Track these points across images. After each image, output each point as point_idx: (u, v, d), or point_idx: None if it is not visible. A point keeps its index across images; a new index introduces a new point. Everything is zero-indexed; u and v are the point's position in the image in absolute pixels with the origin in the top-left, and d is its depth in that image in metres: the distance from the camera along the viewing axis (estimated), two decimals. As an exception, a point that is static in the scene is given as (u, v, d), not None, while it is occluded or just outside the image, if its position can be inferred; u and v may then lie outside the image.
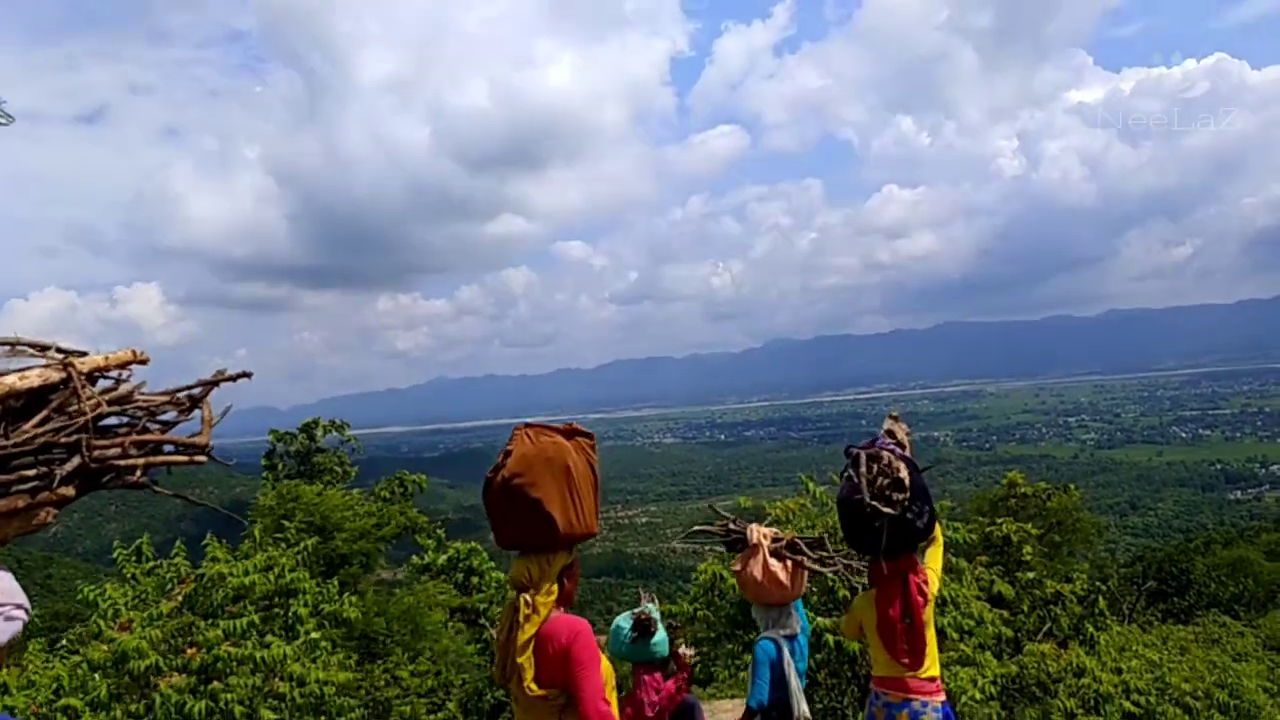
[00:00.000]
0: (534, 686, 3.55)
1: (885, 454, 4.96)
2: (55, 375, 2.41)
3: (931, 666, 5.05)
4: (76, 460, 2.37)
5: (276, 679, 6.94)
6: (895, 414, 5.44)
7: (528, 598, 3.62)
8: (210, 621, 6.82)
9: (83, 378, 2.45)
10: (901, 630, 4.92)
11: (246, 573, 7.12)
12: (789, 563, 5.62)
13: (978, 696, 7.93)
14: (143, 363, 2.69)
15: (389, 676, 14.76)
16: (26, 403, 2.36)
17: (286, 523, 9.09)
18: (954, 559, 9.53)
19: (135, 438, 2.55)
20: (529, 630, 3.58)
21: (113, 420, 2.59)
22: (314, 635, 7.28)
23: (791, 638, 5.60)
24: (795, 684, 5.43)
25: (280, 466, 19.38)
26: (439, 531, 16.64)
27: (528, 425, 3.86)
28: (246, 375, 2.88)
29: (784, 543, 5.73)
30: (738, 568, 5.78)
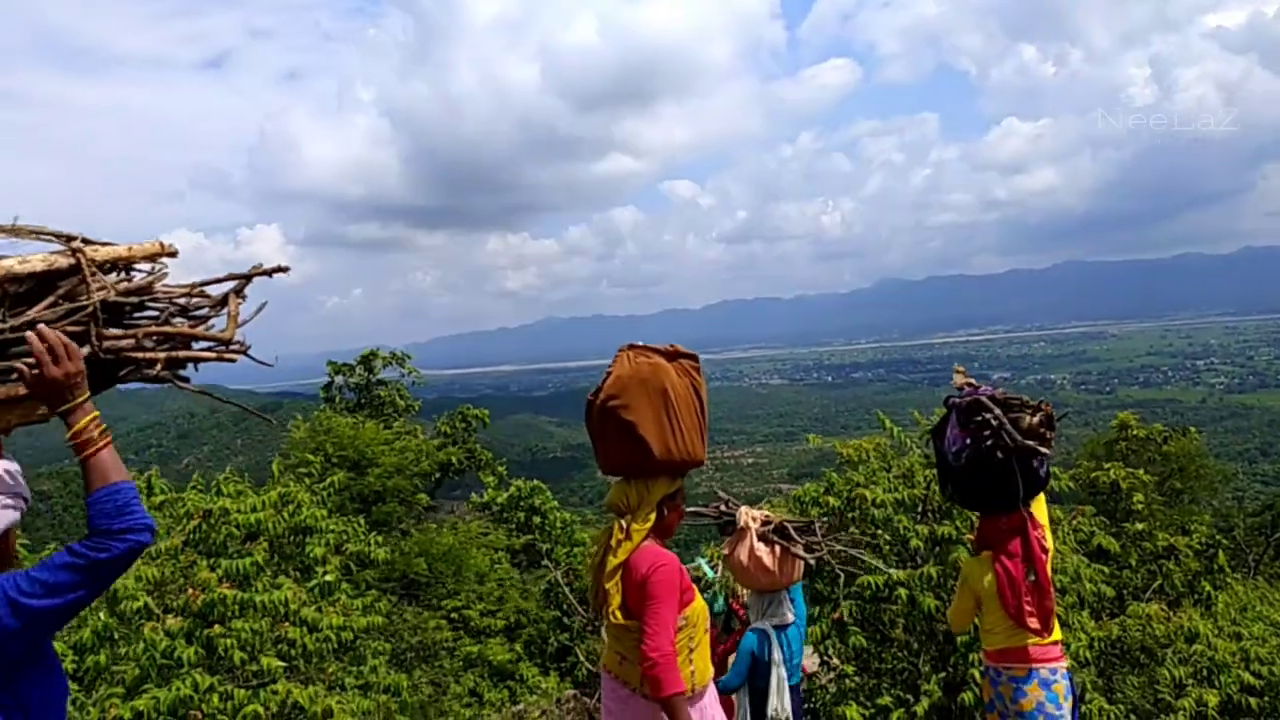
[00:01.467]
0: (618, 615, 3.52)
1: (1007, 396, 4.64)
2: (63, 261, 2.33)
3: (1055, 629, 4.69)
4: (85, 350, 2.28)
5: (286, 624, 6.46)
6: (961, 367, 5.07)
7: (623, 523, 3.60)
8: (212, 561, 6.34)
9: (93, 265, 2.36)
10: (1028, 589, 4.53)
11: (255, 509, 6.61)
12: (777, 548, 5.40)
13: (1069, 663, 6.99)
14: (171, 255, 2.63)
15: (458, 616, 14.49)
16: (31, 288, 2.29)
17: (311, 456, 8.56)
18: (1049, 508, 8.51)
19: (153, 329, 2.48)
20: (620, 556, 3.55)
21: (150, 314, 2.55)
22: (329, 578, 6.74)
23: (782, 628, 5.40)
24: (776, 678, 5.26)
25: (338, 399, 19.00)
26: (500, 468, 16.06)
27: (630, 346, 3.80)
28: (283, 270, 2.81)
29: (773, 527, 5.50)
30: (727, 552, 5.63)
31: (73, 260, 2.35)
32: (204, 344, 2.62)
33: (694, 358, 3.84)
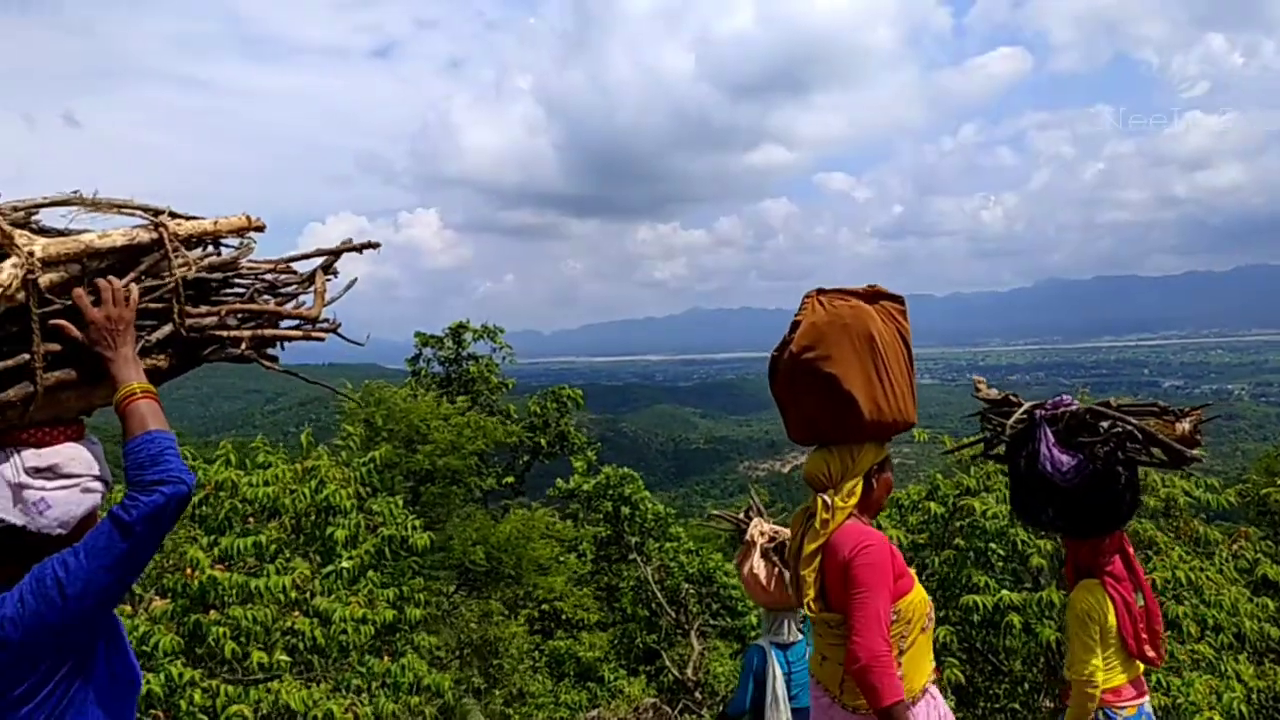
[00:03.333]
0: (813, 606, 3.10)
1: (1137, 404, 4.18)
2: (145, 235, 2.26)
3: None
4: (168, 328, 2.27)
5: (296, 613, 5.80)
6: (981, 379, 4.68)
7: (826, 499, 3.11)
8: (211, 539, 5.72)
9: (175, 239, 2.30)
10: (1141, 615, 4.11)
11: (267, 483, 5.95)
12: (776, 568, 5.07)
13: (1217, 719, 5.71)
14: (259, 229, 2.54)
15: (549, 608, 13.86)
16: (113, 264, 2.21)
17: (351, 428, 7.85)
18: (1202, 528, 7.20)
19: (237, 306, 2.42)
20: (822, 537, 3.08)
21: (237, 291, 2.48)
22: (346, 564, 6.04)
23: (786, 646, 5.17)
24: (773, 696, 5.03)
25: (424, 373, 18.15)
26: (590, 454, 15.15)
27: (820, 291, 3.27)
28: (374, 246, 2.71)
29: (775, 544, 5.18)
30: (737, 563, 5.40)
31: (155, 235, 2.26)
32: (291, 322, 2.56)
33: (899, 300, 3.33)
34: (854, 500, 3.12)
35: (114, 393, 2.10)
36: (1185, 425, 3.99)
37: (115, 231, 2.23)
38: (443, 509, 12.78)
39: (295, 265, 2.64)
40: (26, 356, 2.03)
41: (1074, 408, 4.13)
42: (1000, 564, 6.77)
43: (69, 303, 2.10)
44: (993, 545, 6.68)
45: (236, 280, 2.50)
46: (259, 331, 2.45)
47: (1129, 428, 3.95)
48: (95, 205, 2.29)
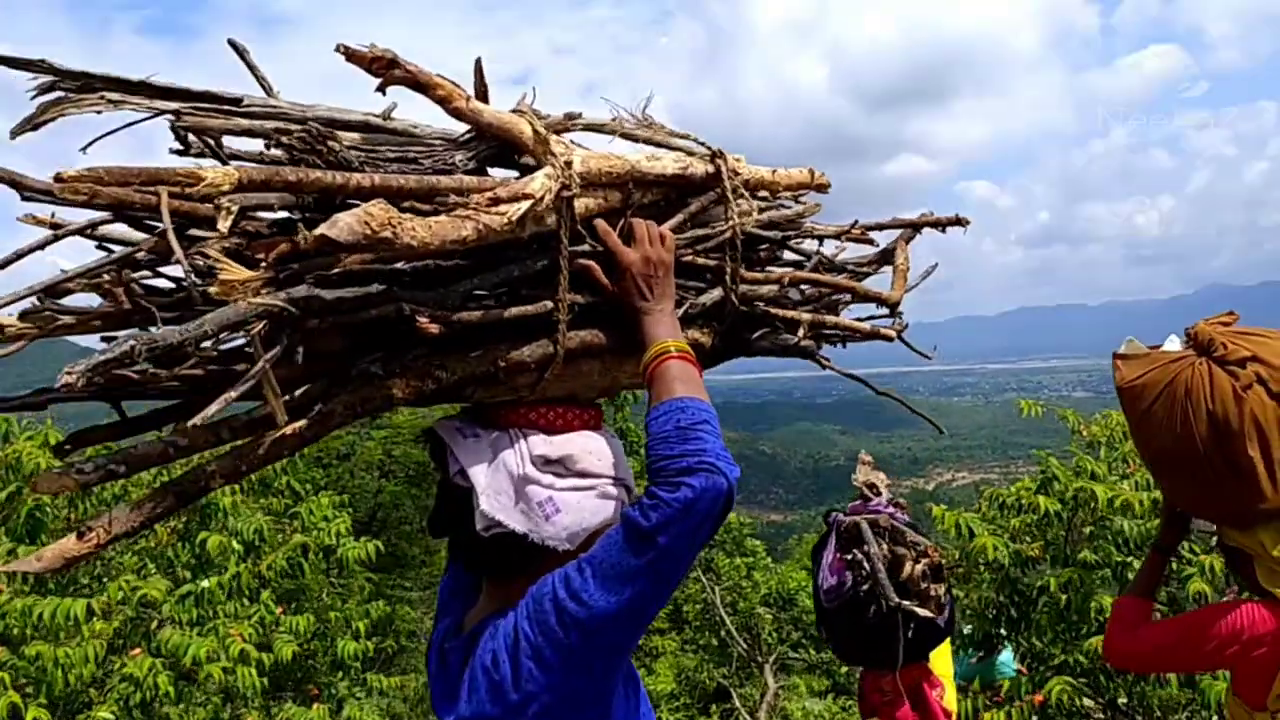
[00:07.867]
0: None
1: (896, 525, 3.34)
2: (699, 168, 1.77)
3: None
4: (717, 293, 1.76)
5: (138, 651, 4.24)
6: (868, 458, 3.80)
7: None
8: (11, 546, 4.21)
9: (735, 178, 1.80)
10: None
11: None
12: None
13: None
14: (821, 189, 2.10)
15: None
16: (656, 201, 1.75)
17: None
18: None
19: (803, 276, 1.95)
20: None
21: (792, 260, 2.06)
22: (205, 584, 4.42)
23: None
24: None
25: None
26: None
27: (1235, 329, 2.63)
28: (962, 222, 2.35)
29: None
30: None
31: (712, 169, 1.76)
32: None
33: None
34: None
35: (642, 358, 1.56)
36: (918, 568, 3.35)
37: (667, 155, 1.74)
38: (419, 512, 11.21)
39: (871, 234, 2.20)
40: (549, 305, 1.51)
41: (880, 512, 3.39)
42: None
43: (600, 248, 1.59)
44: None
45: (796, 245, 2.02)
46: (820, 316, 1.95)
47: (859, 556, 3.33)
48: (649, 129, 1.83)
